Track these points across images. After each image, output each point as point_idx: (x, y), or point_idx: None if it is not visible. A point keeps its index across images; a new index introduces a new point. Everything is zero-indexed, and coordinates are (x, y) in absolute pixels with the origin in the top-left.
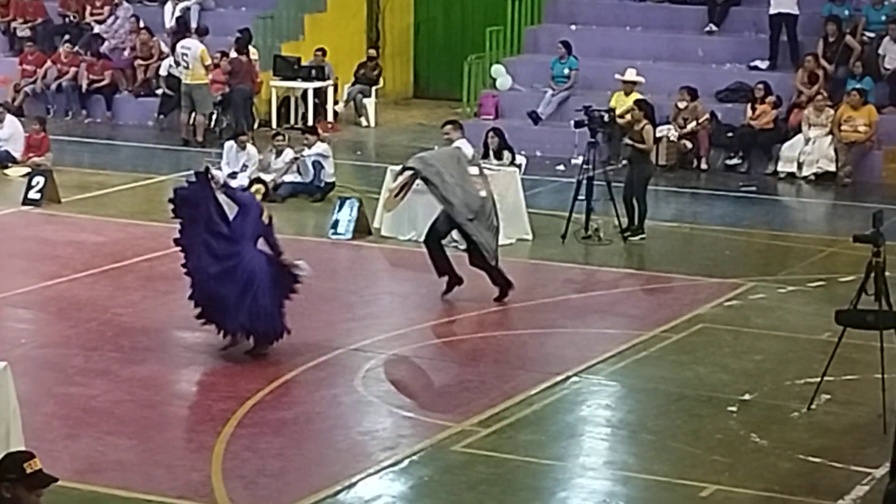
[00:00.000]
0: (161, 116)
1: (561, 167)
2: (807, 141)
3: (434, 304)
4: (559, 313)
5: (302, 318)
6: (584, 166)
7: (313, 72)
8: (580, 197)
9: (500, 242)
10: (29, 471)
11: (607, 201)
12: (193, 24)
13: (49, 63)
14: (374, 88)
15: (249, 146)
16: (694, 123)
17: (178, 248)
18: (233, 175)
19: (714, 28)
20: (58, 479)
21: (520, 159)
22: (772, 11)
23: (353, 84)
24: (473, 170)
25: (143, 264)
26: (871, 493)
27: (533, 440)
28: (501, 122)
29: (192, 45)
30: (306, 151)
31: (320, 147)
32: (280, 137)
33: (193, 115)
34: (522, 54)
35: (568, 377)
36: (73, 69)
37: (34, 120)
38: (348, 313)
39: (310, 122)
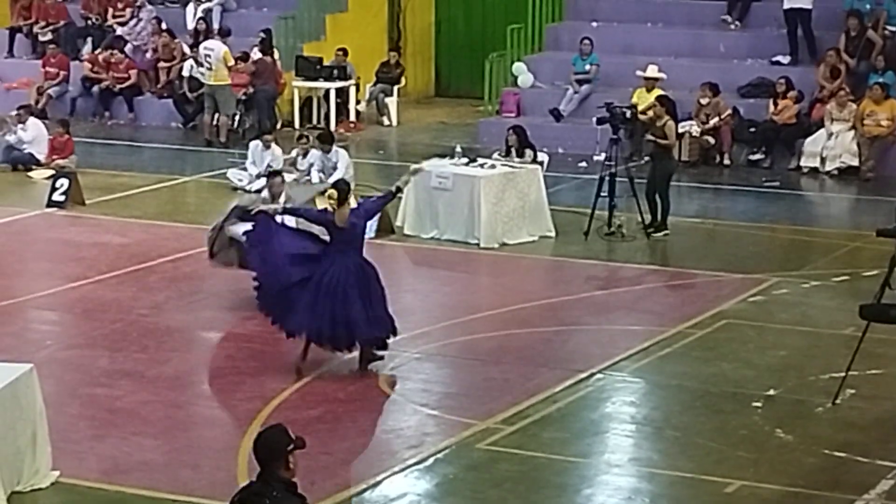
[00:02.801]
0: (186, 125)
1: (583, 164)
2: (829, 136)
3: (457, 303)
4: (582, 310)
5: None
6: (607, 163)
7: (335, 72)
8: (603, 193)
9: (524, 240)
10: (293, 436)
11: (630, 198)
12: (215, 26)
13: (82, 65)
14: (395, 87)
15: (274, 146)
16: (716, 119)
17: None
18: (259, 176)
19: (728, 19)
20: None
21: (542, 156)
22: (785, 6)
23: (375, 83)
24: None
25: (168, 265)
26: None
27: (557, 437)
28: (523, 120)
29: (215, 47)
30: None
31: (339, 154)
32: (305, 139)
33: (217, 115)
34: (544, 52)
35: (592, 374)
36: (101, 74)
37: (57, 122)
38: None
39: (332, 122)
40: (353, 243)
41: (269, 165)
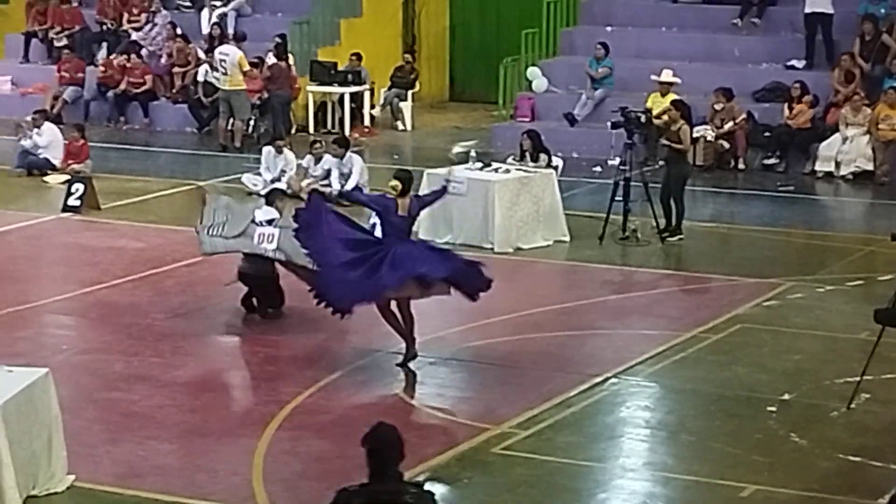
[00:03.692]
0: (201, 130)
1: (598, 168)
2: (844, 140)
3: (472, 307)
4: (597, 315)
5: (340, 322)
6: (621, 167)
7: (350, 76)
8: (617, 198)
9: (539, 244)
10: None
11: (644, 202)
12: (230, 31)
13: (95, 69)
14: (410, 92)
15: (287, 150)
16: (731, 123)
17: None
18: (273, 181)
19: (739, 23)
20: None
21: (556, 161)
22: (807, 11)
23: (390, 88)
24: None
25: (183, 269)
26: None
27: (572, 442)
28: (538, 124)
29: (230, 52)
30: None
31: (353, 160)
32: (318, 144)
33: (231, 120)
34: (558, 56)
35: (607, 378)
36: (117, 77)
37: (73, 127)
38: None
39: (346, 127)
40: (409, 231)
41: (282, 170)
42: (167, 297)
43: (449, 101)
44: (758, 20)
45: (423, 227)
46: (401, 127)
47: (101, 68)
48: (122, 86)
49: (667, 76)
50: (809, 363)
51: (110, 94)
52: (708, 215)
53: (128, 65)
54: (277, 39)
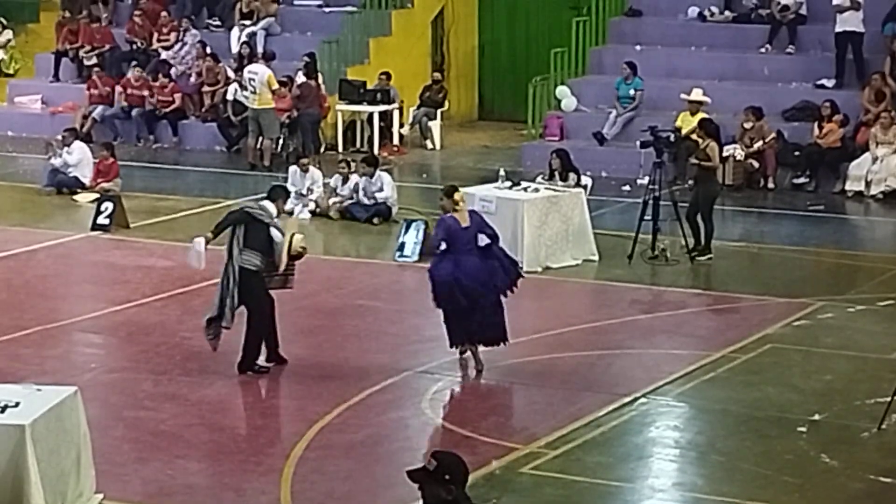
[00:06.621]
0: (230, 148)
1: (627, 187)
2: (874, 159)
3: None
4: (626, 334)
5: (369, 341)
6: (650, 186)
7: (378, 95)
8: (646, 217)
9: (567, 263)
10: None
11: (673, 221)
12: (260, 50)
13: (119, 89)
14: (439, 111)
15: (312, 168)
16: (760, 143)
17: None
18: (300, 195)
19: (769, 48)
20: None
21: (585, 180)
22: (837, 30)
23: (419, 107)
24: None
25: (212, 288)
26: None
27: (601, 462)
28: (567, 144)
29: (259, 70)
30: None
31: (383, 178)
32: (343, 164)
33: (260, 139)
34: (587, 75)
35: (636, 398)
36: (143, 93)
37: (102, 146)
38: (415, 335)
39: (376, 145)
40: (474, 241)
41: (308, 188)
42: (196, 315)
43: (478, 120)
44: (792, 48)
45: None
46: (430, 146)
47: (119, 88)
48: (152, 105)
49: (697, 95)
50: (840, 383)
51: (139, 112)
52: (737, 235)
53: (157, 84)
54: (306, 58)
